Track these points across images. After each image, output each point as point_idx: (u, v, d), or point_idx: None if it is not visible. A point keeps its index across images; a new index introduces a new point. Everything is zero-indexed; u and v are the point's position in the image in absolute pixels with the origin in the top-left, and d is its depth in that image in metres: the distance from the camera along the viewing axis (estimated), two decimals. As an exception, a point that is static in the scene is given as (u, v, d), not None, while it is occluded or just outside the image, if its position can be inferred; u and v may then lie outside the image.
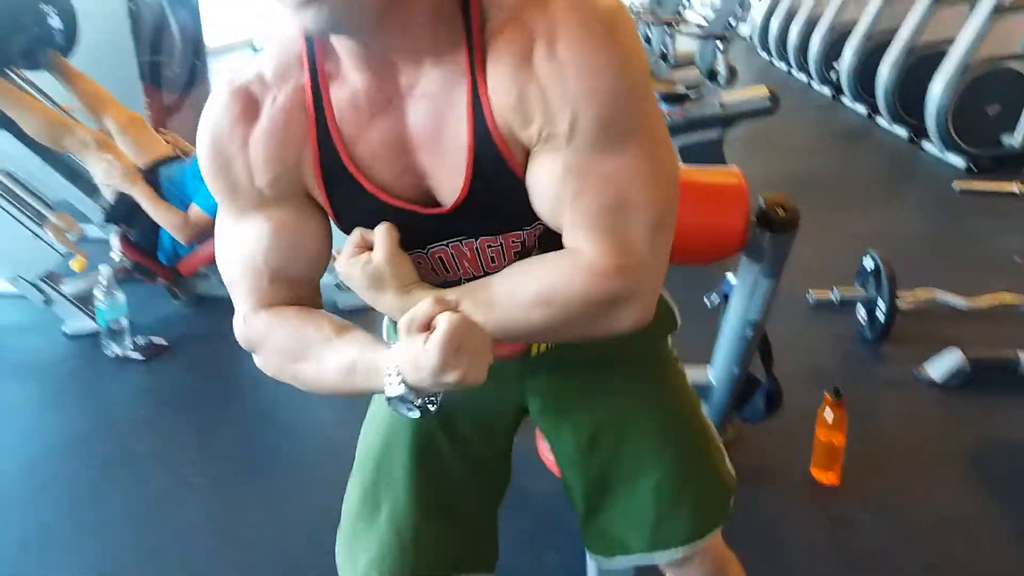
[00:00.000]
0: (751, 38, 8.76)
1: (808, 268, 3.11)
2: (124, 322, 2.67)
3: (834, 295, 2.78)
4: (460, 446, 1.06)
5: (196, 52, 4.68)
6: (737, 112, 3.59)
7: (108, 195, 2.82)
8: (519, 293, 0.83)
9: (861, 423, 2.09)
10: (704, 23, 4.39)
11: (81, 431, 2.34)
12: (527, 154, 0.80)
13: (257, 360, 0.93)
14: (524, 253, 0.88)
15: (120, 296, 2.65)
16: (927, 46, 4.89)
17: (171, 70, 4.46)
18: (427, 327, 0.75)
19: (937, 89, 4.48)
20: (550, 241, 0.85)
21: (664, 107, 3.69)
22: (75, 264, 2.78)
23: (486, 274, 0.88)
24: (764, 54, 8.19)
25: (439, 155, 0.81)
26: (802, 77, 6.99)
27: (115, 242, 2.87)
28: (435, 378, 0.75)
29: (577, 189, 0.78)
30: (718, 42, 3.56)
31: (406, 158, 0.82)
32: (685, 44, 5.89)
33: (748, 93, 3.71)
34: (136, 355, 2.66)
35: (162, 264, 2.89)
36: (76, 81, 3.03)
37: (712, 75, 3.68)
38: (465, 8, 0.77)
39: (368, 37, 0.76)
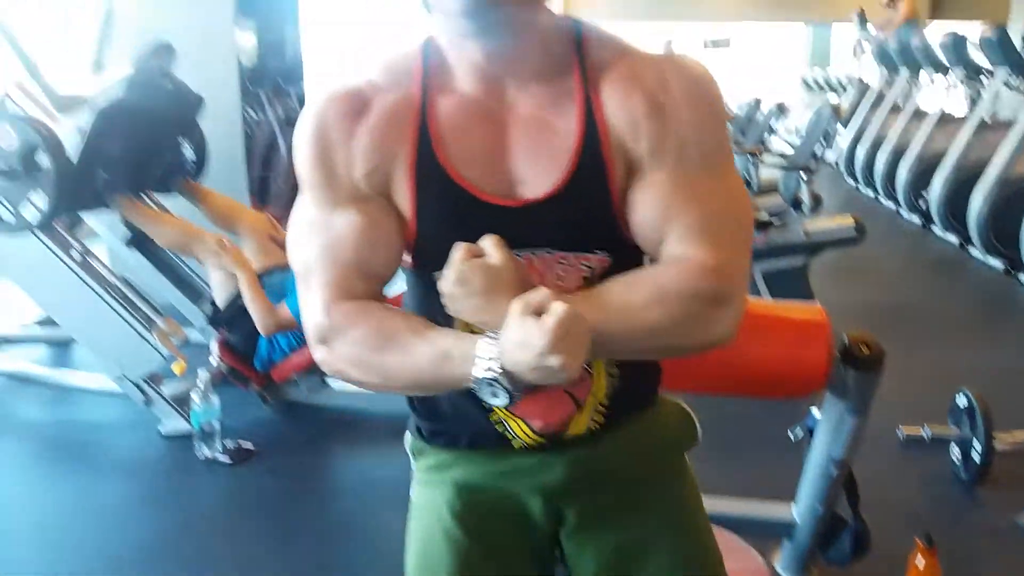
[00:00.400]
0: (837, 164, 8.78)
1: (898, 403, 3.02)
2: (216, 425, 2.78)
3: (925, 432, 2.68)
4: (502, 567, 1.04)
5: (301, 169, 5.01)
6: (821, 240, 3.59)
7: (219, 299, 3.00)
8: (633, 293, 0.89)
9: (956, 572, 1.98)
10: (789, 150, 4.46)
11: (168, 531, 2.41)
12: (627, 172, 0.89)
13: (324, 353, 0.94)
14: (591, 283, 0.92)
15: (215, 400, 2.77)
16: (1021, 177, 4.83)
17: (277, 186, 4.78)
18: (539, 313, 0.82)
19: (1033, 222, 4.39)
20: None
21: (748, 233, 3.72)
22: (176, 367, 2.93)
23: None
24: (851, 180, 8.18)
25: (537, 160, 0.90)
26: (890, 204, 6.94)
27: (214, 347, 3.03)
28: (540, 358, 0.80)
29: (686, 199, 0.89)
30: (801, 173, 3.60)
31: (500, 163, 0.90)
32: (769, 170, 5.98)
33: (833, 222, 3.72)
34: (224, 458, 2.75)
35: (256, 370, 3.02)
36: (207, 199, 3.31)
37: (796, 204, 3.70)
38: (578, 43, 0.91)
39: (502, 36, 0.88)
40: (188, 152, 3.36)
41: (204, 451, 2.77)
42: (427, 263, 0.95)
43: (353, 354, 0.92)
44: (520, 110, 0.90)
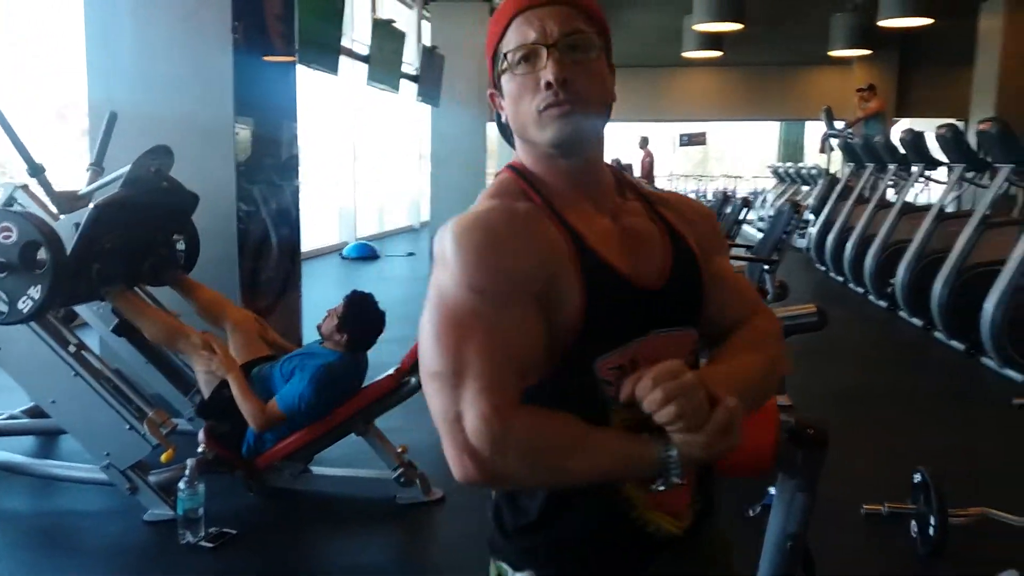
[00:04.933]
0: (808, 251, 9.07)
1: (862, 481, 3.14)
2: (200, 511, 2.85)
3: (884, 509, 2.80)
4: None
5: (292, 259, 5.17)
6: (785, 327, 3.75)
7: (205, 391, 3.11)
8: (742, 355, 1.08)
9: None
10: (755, 242, 4.69)
11: (151, 617, 2.46)
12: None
13: (489, 456, 0.88)
14: (690, 354, 1.05)
15: (200, 487, 2.85)
16: (979, 264, 5.07)
17: (267, 275, 4.93)
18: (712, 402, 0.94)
19: (990, 307, 4.60)
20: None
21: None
22: (164, 456, 3.00)
23: None
24: (821, 267, 8.46)
25: (646, 257, 1.03)
26: (859, 290, 7.18)
27: (202, 436, 3.12)
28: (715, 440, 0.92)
29: (726, 278, 1.15)
30: (765, 265, 3.81)
31: (627, 258, 1.00)
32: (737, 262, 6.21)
33: (796, 310, 3.89)
34: (207, 544, 2.81)
35: (242, 457, 3.11)
36: (195, 292, 3.44)
37: (761, 293, 3.89)
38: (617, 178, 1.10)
39: (582, 161, 1.03)
40: (181, 245, 3.52)
41: (188, 537, 2.83)
42: (590, 350, 0.96)
43: (529, 460, 0.90)
44: (621, 212, 1.06)
